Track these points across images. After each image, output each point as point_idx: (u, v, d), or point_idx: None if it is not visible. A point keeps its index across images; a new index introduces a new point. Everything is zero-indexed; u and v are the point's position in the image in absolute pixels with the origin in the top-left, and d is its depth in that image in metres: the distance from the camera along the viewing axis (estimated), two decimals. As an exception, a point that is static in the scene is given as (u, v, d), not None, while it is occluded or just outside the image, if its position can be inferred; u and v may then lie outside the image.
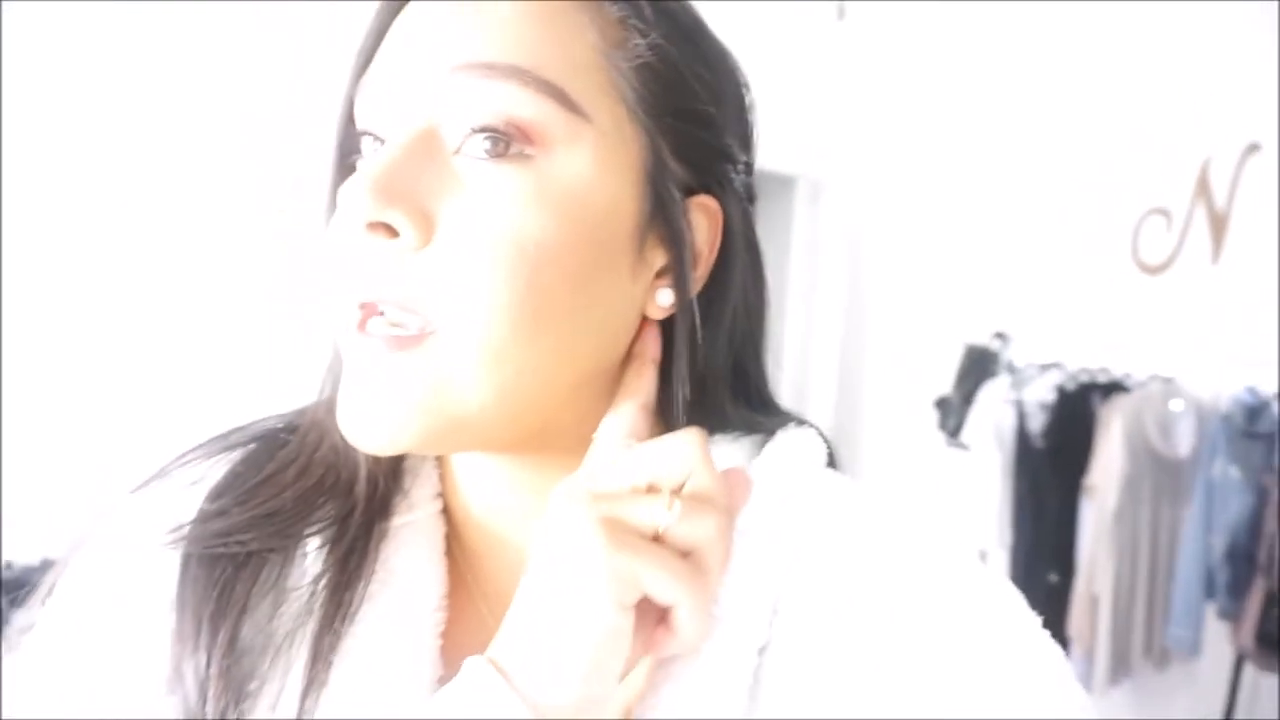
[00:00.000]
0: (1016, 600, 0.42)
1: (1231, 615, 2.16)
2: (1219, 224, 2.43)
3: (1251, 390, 2.18)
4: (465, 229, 0.37)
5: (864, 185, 3.25)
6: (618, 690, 0.37)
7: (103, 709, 0.40)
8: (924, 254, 3.20)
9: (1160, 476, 2.31)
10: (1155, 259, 2.57)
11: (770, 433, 0.47)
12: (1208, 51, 2.43)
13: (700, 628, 0.36)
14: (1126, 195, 2.62)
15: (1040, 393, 2.56)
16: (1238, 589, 2.11)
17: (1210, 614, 2.17)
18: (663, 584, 0.35)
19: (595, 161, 0.39)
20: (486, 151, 0.38)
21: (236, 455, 0.47)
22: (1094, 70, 2.71)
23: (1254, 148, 2.34)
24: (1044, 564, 2.42)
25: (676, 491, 0.37)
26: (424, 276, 0.37)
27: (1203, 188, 2.46)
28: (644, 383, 0.43)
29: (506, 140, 0.37)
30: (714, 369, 0.45)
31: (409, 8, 0.41)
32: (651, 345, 0.44)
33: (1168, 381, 2.35)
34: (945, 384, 2.86)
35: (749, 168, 0.46)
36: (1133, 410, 2.27)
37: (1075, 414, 2.45)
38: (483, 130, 0.37)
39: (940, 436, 2.82)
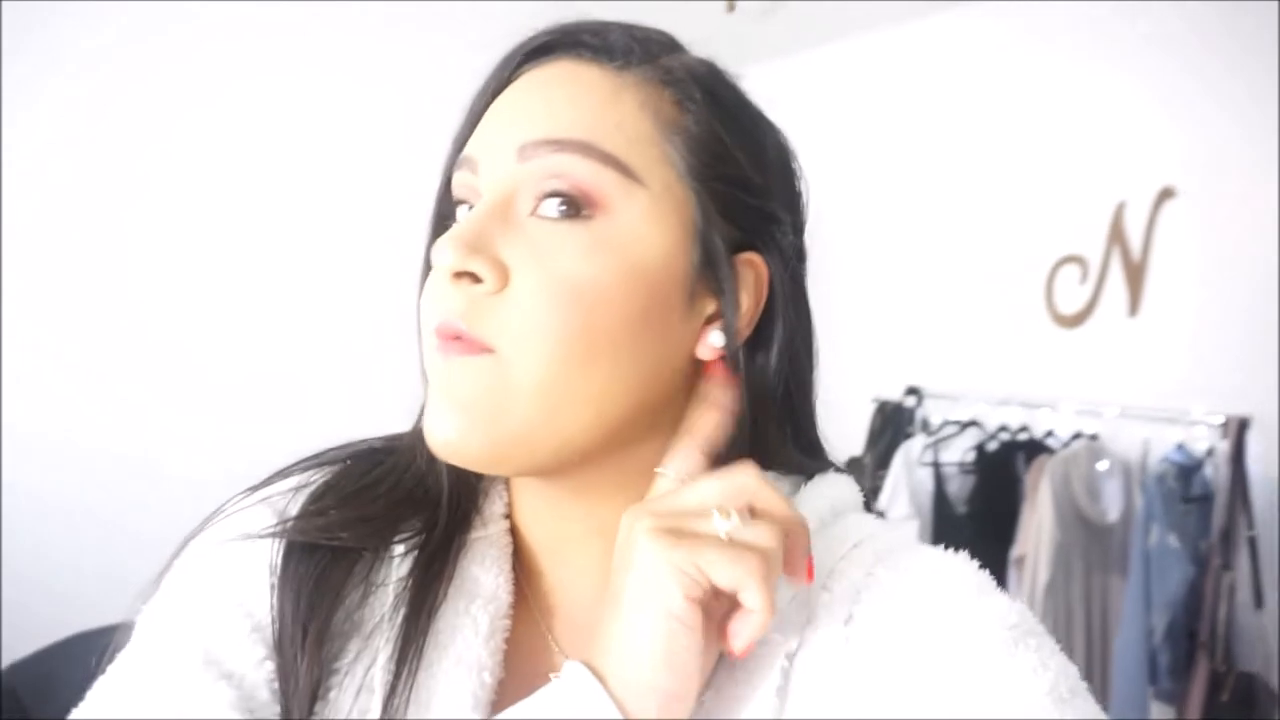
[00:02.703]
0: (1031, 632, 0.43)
1: (1174, 699, 1.95)
2: (1135, 273, 2.30)
3: (1183, 448, 2.01)
4: (533, 276, 0.44)
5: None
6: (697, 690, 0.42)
7: (191, 672, 0.43)
8: (830, 305, 3.00)
9: (1090, 544, 2.11)
10: (1071, 309, 2.42)
11: (810, 475, 0.52)
12: (1119, 92, 2.32)
13: (767, 603, 0.39)
14: (1039, 242, 2.48)
15: (959, 453, 2.35)
16: (1181, 670, 1.91)
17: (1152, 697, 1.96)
18: (723, 568, 0.39)
19: (648, 220, 0.45)
20: (557, 212, 0.45)
21: (336, 468, 0.52)
22: (1001, 111, 2.59)
23: (1168, 192, 2.23)
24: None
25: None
26: (499, 313, 0.44)
27: (1117, 234, 2.33)
28: (705, 425, 0.48)
29: (572, 202, 0.44)
30: (763, 412, 0.50)
31: (497, 100, 0.48)
32: (721, 394, 0.48)
33: (1093, 440, 2.17)
34: (857, 444, 2.64)
35: (798, 229, 0.52)
36: (1060, 472, 2.07)
37: (997, 476, 2.24)
38: (551, 195, 0.45)
39: (853, 502, 2.58)
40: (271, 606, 0.46)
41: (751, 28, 2.79)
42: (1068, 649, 1.94)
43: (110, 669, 0.45)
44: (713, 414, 0.48)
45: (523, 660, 0.48)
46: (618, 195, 0.45)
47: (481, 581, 0.50)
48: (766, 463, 0.50)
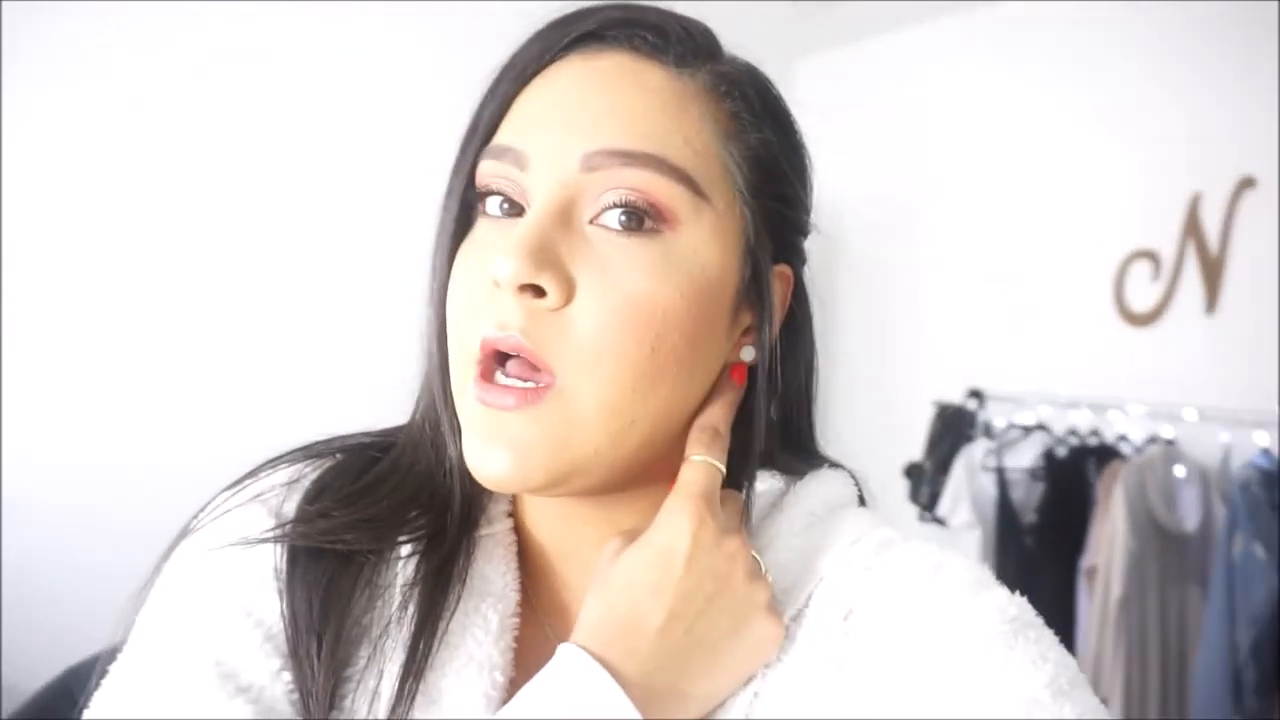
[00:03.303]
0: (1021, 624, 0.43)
1: (1261, 720, 1.83)
2: (1213, 268, 2.18)
3: (1268, 453, 1.88)
4: (602, 294, 0.42)
5: (823, 234, 2.98)
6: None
7: (208, 688, 0.41)
8: (889, 303, 2.92)
9: (1167, 554, 2.00)
10: (1143, 307, 2.30)
11: (803, 473, 0.53)
12: (1196, 76, 2.20)
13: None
14: (1108, 236, 2.37)
15: (1025, 459, 2.25)
16: (1268, 689, 1.78)
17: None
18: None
19: (712, 237, 0.44)
20: (621, 224, 0.43)
21: (325, 463, 0.51)
22: (1067, 98, 2.48)
23: (1249, 182, 2.10)
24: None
25: None
26: (562, 332, 0.42)
27: (1193, 227, 2.21)
28: (723, 415, 0.49)
29: (641, 216, 0.43)
30: (768, 418, 0.50)
31: (540, 86, 0.45)
32: (733, 385, 0.50)
33: (1169, 444, 2.05)
34: (916, 449, 2.55)
35: (808, 234, 0.53)
36: (1134, 479, 1.96)
37: (1068, 483, 2.14)
38: (622, 206, 0.43)
39: (912, 510, 2.50)
40: (282, 614, 0.44)
41: (812, 17, 2.74)
42: (1143, 665, 1.83)
43: (112, 681, 0.43)
44: (728, 401, 0.49)
45: (531, 659, 0.46)
46: (687, 212, 0.43)
47: (491, 580, 0.49)
48: (768, 464, 0.52)
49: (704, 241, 0.44)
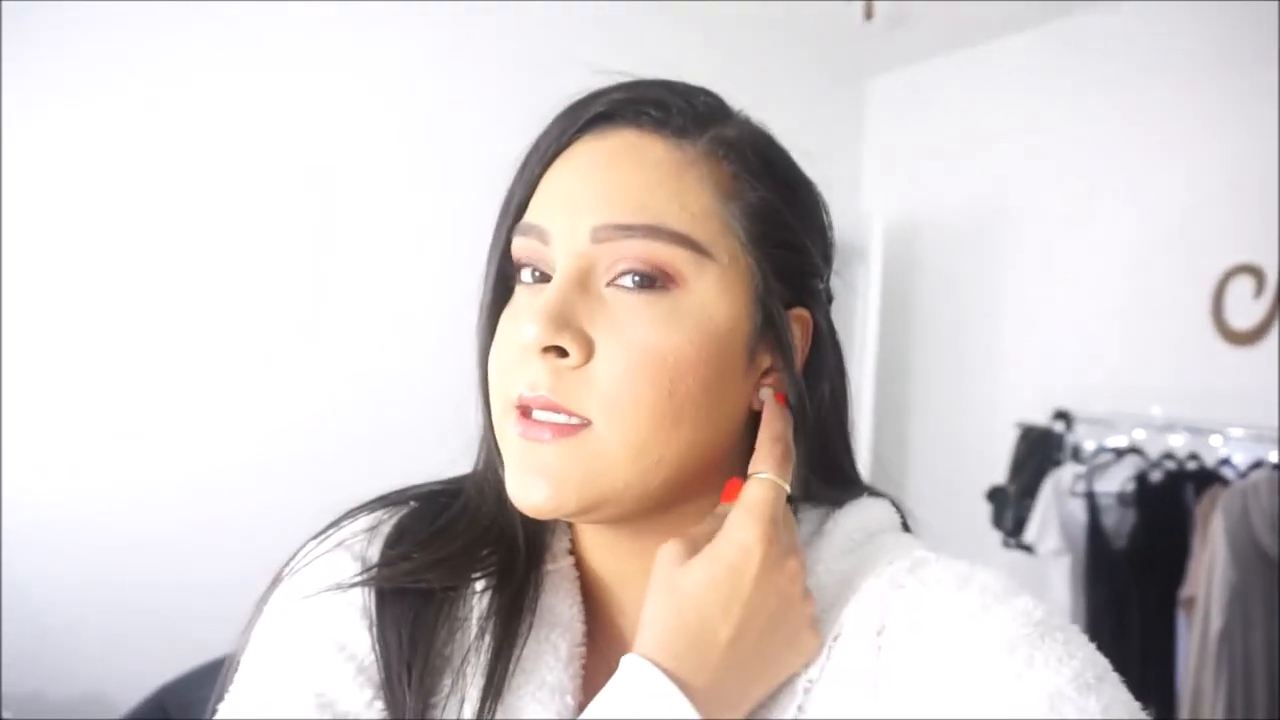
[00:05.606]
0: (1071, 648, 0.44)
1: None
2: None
3: (1387, 480, 1.76)
4: (619, 348, 0.47)
5: (893, 249, 2.93)
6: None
7: (310, 718, 0.47)
8: (970, 320, 2.84)
9: (1274, 586, 1.88)
10: (1244, 325, 2.19)
11: (842, 504, 0.56)
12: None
13: None
14: (1206, 250, 2.26)
15: (1117, 483, 2.16)
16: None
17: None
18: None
19: (718, 289, 0.49)
20: (634, 284, 0.48)
21: (401, 510, 0.56)
22: (1158, 106, 2.39)
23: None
24: (1132, 694, 1.97)
25: None
26: (586, 386, 0.47)
27: (1300, 240, 2.09)
28: (782, 426, 0.52)
29: (650, 276, 0.47)
30: (803, 451, 0.54)
31: (559, 166, 0.51)
32: (782, 408, 0.53)
33: (1278, 469, 1.94)
34: (997, 472, 2.47)
35: (829, 275, 0.56)
36: (1237, 505, 1.85)
37: (1163, 509, 2.03)
38: (629, 271, 0.48)
39: (995, 535, 2.41)
40: (374, 649, 0.49)
41: (884, 35, 2.70)
42: (1247, 702, 1.71)
43: (222, 714, 0.49)
44: (785, 418, 0.52)
45: (597, 684, 0.49)
46: (691, 270, 0.48)
47: (558, 611, 0.53)
48: (806, 495, 0.55)
49: (710, 293, 0.48)
